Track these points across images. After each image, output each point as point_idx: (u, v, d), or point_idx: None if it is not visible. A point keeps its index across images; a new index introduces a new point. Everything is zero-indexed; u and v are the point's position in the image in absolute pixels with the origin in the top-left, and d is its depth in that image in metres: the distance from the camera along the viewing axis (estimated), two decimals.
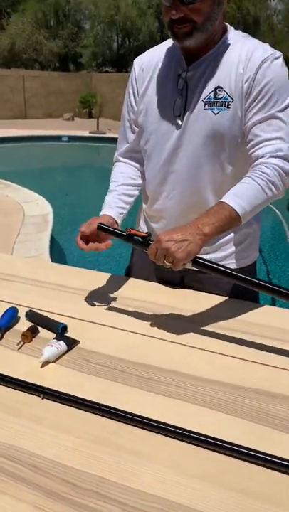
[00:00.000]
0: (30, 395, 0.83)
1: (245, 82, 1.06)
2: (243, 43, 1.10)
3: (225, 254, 1.27)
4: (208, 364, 0.94)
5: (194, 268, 0.99)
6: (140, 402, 0.82)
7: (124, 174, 1.30)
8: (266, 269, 4.24)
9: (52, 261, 3.55)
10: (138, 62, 1.24)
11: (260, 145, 1.07)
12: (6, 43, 21.47)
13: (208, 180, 1.17)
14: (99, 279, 1.35)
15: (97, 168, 9.52)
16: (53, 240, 4.10)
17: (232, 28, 1.14)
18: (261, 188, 1.03)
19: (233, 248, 1.28)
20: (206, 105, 1.10)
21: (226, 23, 1.13)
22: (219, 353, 0.98)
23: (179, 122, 1.14)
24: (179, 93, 1.13)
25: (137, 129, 1.27)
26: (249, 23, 19.21)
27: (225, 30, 1.12)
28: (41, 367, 0.92)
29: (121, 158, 1.34)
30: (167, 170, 1.20)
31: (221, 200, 1.03)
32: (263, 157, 1.06)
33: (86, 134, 12.34)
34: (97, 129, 12.87)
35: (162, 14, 1.06)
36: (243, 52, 1.08)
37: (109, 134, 12.38)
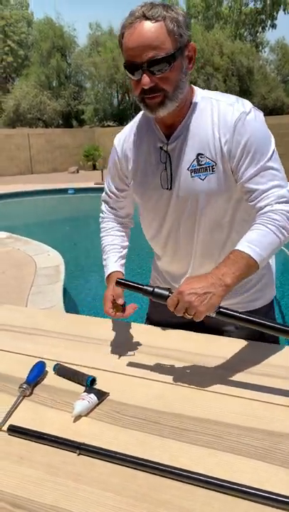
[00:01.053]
0: (66, 452, 0.83)
1: (225, 145, 1.11)
2: (213, 106, 1.13)
3: (241, 297, 1.29)
4: (239, 410, 0.94)
5: (217, 317, 0.98)
6: (177, 454, 0.81)
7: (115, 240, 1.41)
8: (279, 308, 4.22)
9: (65, 310, 3.57)
10: (118, 141, 1.30)
11: (261, 196, 1.10)
12: (11, 105, 22.67)
13: (204, 237, 1.23)
14: (121, 328, 1.36)
15: None
16: (64, 291, 4.14)
17: (198, 89, 1.18)
18: (274, 234, 1.05)
19: (251, 290, 1.30)
20: (192, 173, 1.15)
21: (193, 86, 1.17)
22: (249, 399, 0.98)
23: (169, 193, 1.19)
24: (163, 166, 1.18)
25: (122, 201, 1.40)
26: (243, 74, 20.17)
27: (192, 94, 1.17)
28: (74, 421, 0.91)
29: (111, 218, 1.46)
30: (168, 236, 1.28)
31: (237, 248, 1.03)
32: (268, 205, 1.09)
33: (91, 185, 12.70)
34: (102, 180, 13.25)
35: (132, 89, 1.11)
36: (214, 116, 1.12)
37: None
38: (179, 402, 0.97)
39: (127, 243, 1.43)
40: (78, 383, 1.06)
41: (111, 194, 1.40)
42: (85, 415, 0.93)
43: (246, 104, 1.13)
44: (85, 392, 0.99)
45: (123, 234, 1.44)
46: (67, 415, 0.93)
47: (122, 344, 1.25)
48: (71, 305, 4.21)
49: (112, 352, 1.20)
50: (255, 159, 1.10)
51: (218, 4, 24.93)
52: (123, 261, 1.37)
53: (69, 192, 12.17)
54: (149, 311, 1.53)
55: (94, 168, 17.29)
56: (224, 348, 1.21)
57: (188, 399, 0.99)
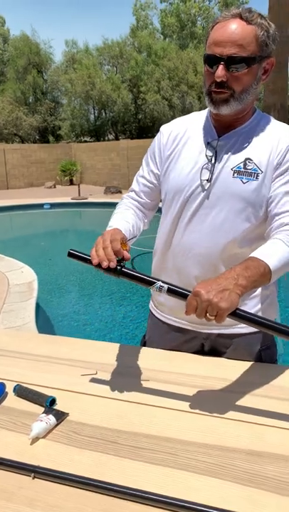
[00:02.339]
0: (21, 475, 0.82)
1: (276, 157, 1.15)
2: (272, 123, 1.21)
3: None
4: (196, 427, 0.95)
5: (236, 321, 0.94)
6: (133, 474, 0.82)
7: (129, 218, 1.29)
8: None
9: (38, 328, 3.52)
10: (166, 128, 1.32)
11: (288, 213, 1.13)
12: None
13: (227, 242, 1.20)
14: (84, 346, 1.36)
15: (80, 232, 9.73)
16: (38, 307, 4.08)
17: (259, 110, 1.25)
18: None
19: (252, 310, 1.25)
20: (235, 174, 1.17)
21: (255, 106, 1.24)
22: (206, 415, 0.99)
23: (206, 186, 1.20)
24: (208, 159, 1.20)
25: (151, 188, 1.33)
26: None
27: (254, 111, 1.23)
28: (31, 444, 0.90)
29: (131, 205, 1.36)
30: (188, 229, 1.24)
31: (253, 255, 1.03)
32: None
33: (68, 200, 12.67)
34: (79, 195, 13.24)
35: (204, 82, 1.16)
36: (273, 131, 1.18)
37: (90, 199, 12.75)
38: (137, 421, 0.98)
39: (138, 229, 1.30)
40: (38, 404, 1.05)
41: (141, 179, 1.36)
42: (43, 437, 0.93)
43: None
44: (43, 413, 0.98)
45: (138, 221, 1.32)
46: (24, 438, 0.92)
47: (85, 363, 1.24)
48: (45, 322, 4.15)
49: (74, 371, 1.20)
50: None
51: (192, 24, 25.62)
52: (129, 236, 1.20)
53: (45, 207, 12.09)
54: (148, 335, 1.48)
55: (71, 183, 17.28)
56: (187, 364, 1.23)
57: (147, 417, 0.99)
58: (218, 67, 1.08)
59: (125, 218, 1.27)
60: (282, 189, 1.14)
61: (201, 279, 1.19)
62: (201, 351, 1.33)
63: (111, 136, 23.93)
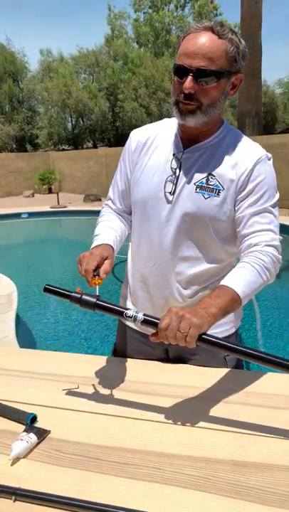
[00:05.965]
0: (1, 499, 0.79)
1: (241, 175, 1.14)
2: (239, 139, 1.20)
3: None
4: (179, 439, 0.94)
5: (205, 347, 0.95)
6: (117, 491, 0.80)
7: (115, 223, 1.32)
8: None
9: (18, 341, 3.45)
10: (136, 134, 1.31)
11: (255, 234, 1.14)
12: None
13: (188, 255, 1.22)
14: (64, 360, 1.34)
15: (60, 241, 9.64)
16: (18, 319, 4.01)
17: (226, 122, 1.25)
18: (258, 274, 1.08)
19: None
20: (198, 189, 1.17)
21: (222, 118, 1.23)
22: (188, 426, 0.98)
23: (170, 198, 1.20)
24: (172, 171, 1.20)
25: (127, 194, 1.33)
26: None
27: (222, 124, 1.22)
28: (11, 464, 0.88)
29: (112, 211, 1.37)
30: (155, 241, 1.25)
31: (222, 284, 1.05)
32: (257, 245, 1.13)
33: (47, 209, 12.56)
34: (58, 203, 13.15)
35: (172, 92, 1.15)
36: (238, 148, 1.17)
37: (70, 208, 12.68)
38: (120, 435, 0.96)
39: (124, 233, 1.32)
40: (19, 422, 1.02)
41: (116, 186, 1.36)
42: (24, 457, 0.90)
43: (269, 153, 1.20)
44: (24, 431, 0.96)
45: (123, 225, 1.34)
46: (4, 458, 0.89)
47: (66, 377, 1.22)
48: (26, 334, 4.08)
49: (55, 386, 1.18)
50: (262, 199, 1.15)
51: (166, 33, 25.91)
52: (116, 245, 1.23)
53: (22, 216, 11.93)
54: (117, 342, 1.49)
55: (50, 191, 17.14)
56: (167, 374, 1.22)
57: (130, 431, 0.98)
58: (186, 78, 1.08)
59: (110, 225, 1.29)
60: (249, 210, 1.15)
61: (164, 292, 1.26)
62: (166, 359, 1.34)
63: (89, 144, 23.88)
